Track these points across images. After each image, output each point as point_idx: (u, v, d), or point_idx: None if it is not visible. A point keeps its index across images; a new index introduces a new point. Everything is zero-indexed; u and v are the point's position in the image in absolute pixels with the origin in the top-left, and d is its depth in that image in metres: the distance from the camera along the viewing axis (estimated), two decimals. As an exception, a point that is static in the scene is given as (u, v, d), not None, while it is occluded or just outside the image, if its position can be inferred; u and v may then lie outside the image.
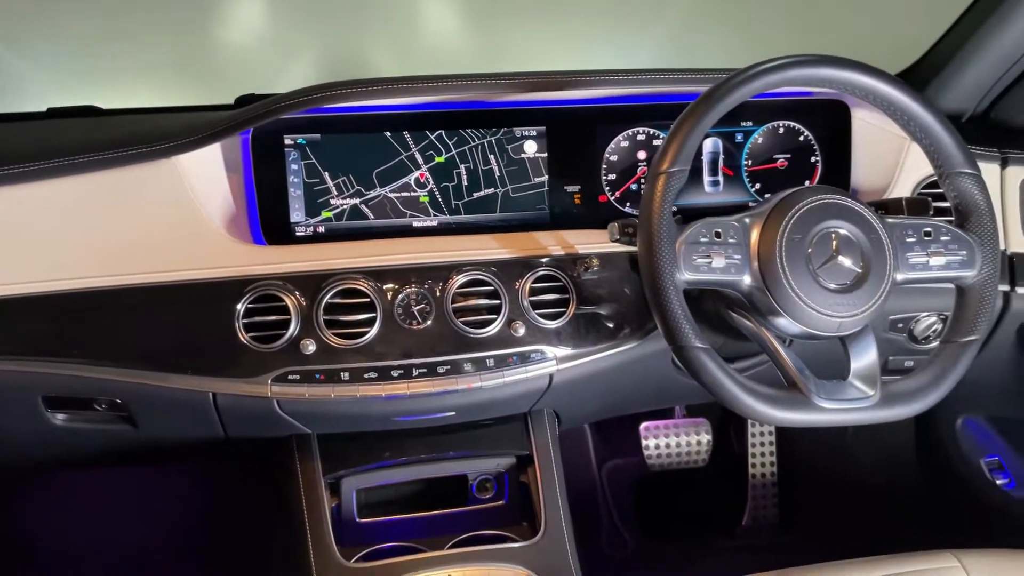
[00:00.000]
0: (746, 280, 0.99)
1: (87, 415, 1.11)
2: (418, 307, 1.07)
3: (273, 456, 1.17)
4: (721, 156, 1.28)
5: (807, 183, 1.30)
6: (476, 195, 1.20)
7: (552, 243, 1.15)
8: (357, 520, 1.16)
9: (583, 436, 1.79)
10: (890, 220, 1.03)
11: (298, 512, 1.09)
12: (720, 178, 1.29)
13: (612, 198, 1.25)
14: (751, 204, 1.26)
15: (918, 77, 1.40)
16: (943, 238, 1.02)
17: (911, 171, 1.25)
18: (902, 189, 1.26)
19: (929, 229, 1.03)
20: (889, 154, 1.27)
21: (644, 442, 1.73)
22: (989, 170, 1.27)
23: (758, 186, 1.29)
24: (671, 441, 1.74)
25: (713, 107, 0.97)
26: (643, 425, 1.74)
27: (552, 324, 1.10)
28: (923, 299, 1.25)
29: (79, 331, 1.02)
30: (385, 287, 1.07)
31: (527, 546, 1.09)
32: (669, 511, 1.84)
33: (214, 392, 1.05)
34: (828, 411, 0.97)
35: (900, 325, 1.29)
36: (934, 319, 1.29)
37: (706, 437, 1.74)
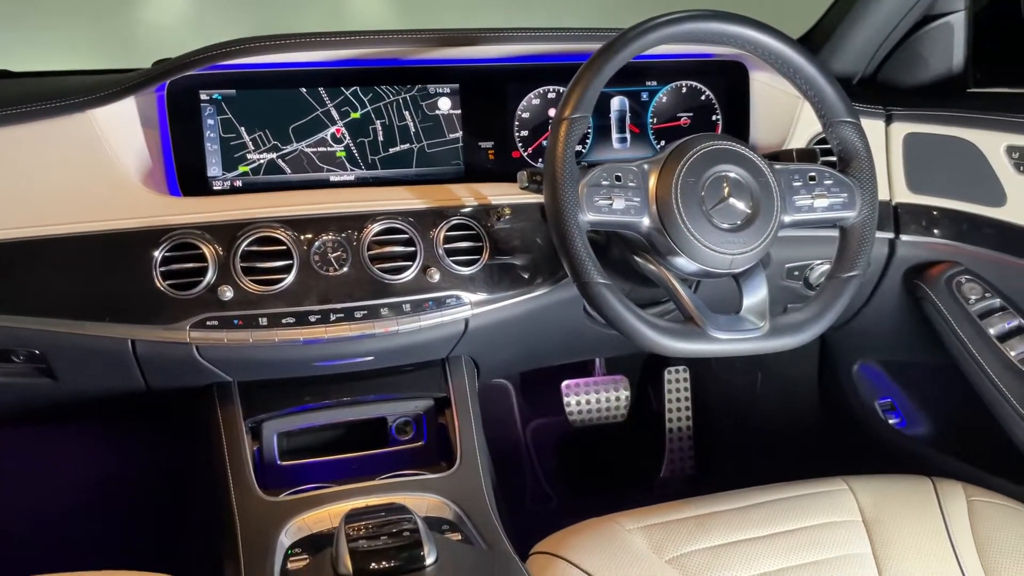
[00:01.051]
0: (645, 222, 1.05)
1: (5, 368, 1.12)
2: (334, 254, 1.10)
3: (194, 406, 1.19)
4: (628, 114, 1.34)
5: (708, 141, 1.37)
6: (392, 150, 1.24)
7: (466, 194, 1.19)
8: (279, 463, 1.19)
9: (508, 397, 1.85)
10: (778, 166, 1.10)
11: (219, 457, 1.11)
12: (627, 135, 1.35)
13: (525, 154, 1.30)
14: (656, 159, 1.33)
15: (813, 42, 1.50)
16: (826, 182, 1.10)
17: (804, 128, 1.34)
18: (797, 144, 1.34)
19: (814, 174, 1.10)
20: (784, 112, 1.35)
21: (565, 399, 1.79)
22: (875, 126, 1.36)
23: (663, 143, 1.35)
24: (591, 398, 1.80)
25: (611, 58, 1.02)
26: (564, 383, 1.80)
27: (466, 271, 1.15)
28: (816, 247, 1.33)
29: (-7, 281, 1.03)
30: (302, 235, 1.10)
31: (443, 477, 1.14)
32: (591, 466, 1.91)
33: (133, 339, 1.06)
34: (721, 341, 1.04)
35: (796, 273, 1.37)
36: (827, 267, 1.38)
37: (624, 393, 1.81)
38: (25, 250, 1.04)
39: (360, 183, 1.23)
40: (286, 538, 1.01)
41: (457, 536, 1.03)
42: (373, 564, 0.85)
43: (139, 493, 1.51)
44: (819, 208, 1.10)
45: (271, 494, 1.08)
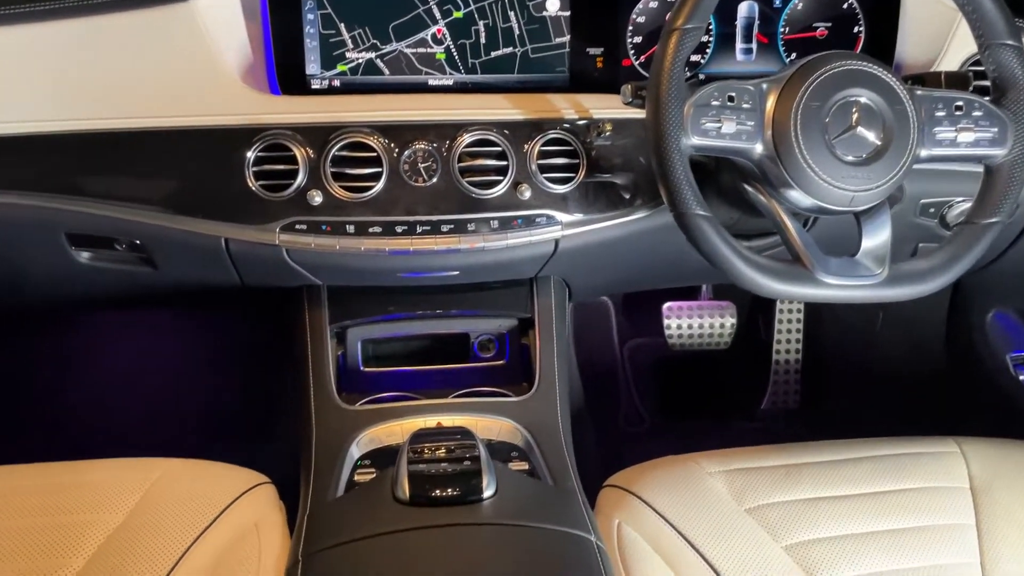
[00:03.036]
0: (758, 148, 0.95)
1: (109, 254, 1.16)
2: (424, 164, 1.06)
3: (285, 305, 1.20)
4: (757, 22, 1.22)
5: (847, 54, 1.23)
6: (494, 54, 1.17)
7: (566, 106, 1.12)
8: (361, 369, 1.20)
9: (607, 314, 1.80)
10: (920, 92, 0.97)
11: (303, 359, 1.12)
12: (754, 46, 1.23)
13: (636, 62, 1.20)
14: (784, 73, 1.21)
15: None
16: (975, 113, 0.96)
17: (960, 47, 1.17)
18: (949, 66, 1.18)
19: (961, 103, 0.97)
20: (939, 27, 1.18)
21: (666, 322, 1.73)
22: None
23: (793, 56, 1.22)
24: (694, 322, 1.73)
25: None
26: (666, 305, 1.73)
27: (560, 189, 1.09)
28: (958, 183, 1.19)
29: (95, 170, 1.05)
30: (392, 143, 1.06)
31: (518, 401, 1.12)
32: (688, 391, 1.86)
33: (226, 238, 1.07)
34: (830, 286, 0.95)
35: (932, 210, 1.24)
36: (969, 205, 1.23)
37: (730, 320, 1.73)
38: (124, 141, 1.05)
39: (459, 88, 1.17)
40: (357, 449, 1.03)
41: (524, 465, 1.01)
42: (431, 491, 0.85)
43: (233, 384, 1.58)
44: (963, 143, 0.96)
45: (351, 400, 1.09)
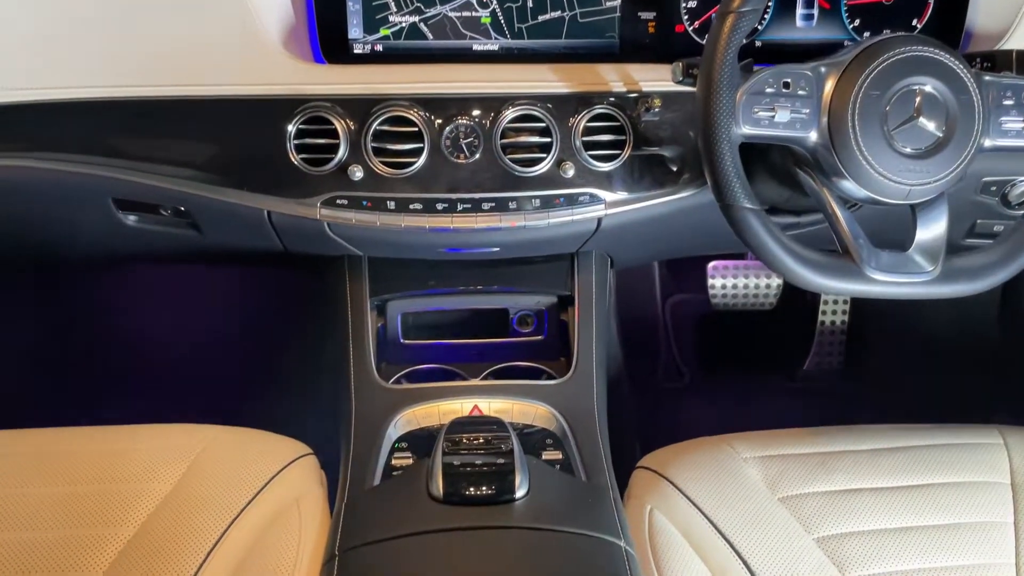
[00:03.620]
0: (812, 136, 0.92)
1: (156, 218, 1.17)
2: (466, 140, 1.04)
3: (327, 273, 1.22)
4: None
5: (915, 22, 1.16)
6: (541, 18, 1.13)
7: (614, 77, 1.08)
8: (401, 341, 1.21)
9: (650, 269, 1.78)
10: (988, 78, 0.92)
11: (344, 330, 1.14)
12: (815, 11, 1.16)
13: (690, 28, 1.15)
14: (846, 43, 1.15)
15: None
16: None
17: (1039, 11, 1.10)
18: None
19: None
20: (1015, -5, 1.11)
21: (710, 280, 1.71)
22: None
23: (857, 22, 1.16)
24: (739, 282, 1.71)
25: None
26: (711, 264, 1.71)
27: (604, 167, 1.06)
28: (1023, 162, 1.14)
29: (138, 137, 1.06)
30: (434, 117, 1.04)
31: (555, 385, 1.12)
32: (729, 349, 1.85)
33: (268, 210, 1.08)
34: (878, 283, 0.93)
35: (993, 188, 1.18)
36: (1035, 186, 1.18)
37: (776, 281, 1.70)
38: (167, 109, 1.05)
39: (504, 54, 1.14)
40: (394, 431, 1.05)
41: (557, 455, 1.02)
42: (464, 489, 0.87)
43: (278, 340, 1.61)
44: None
45: (389, 372, 1.11)
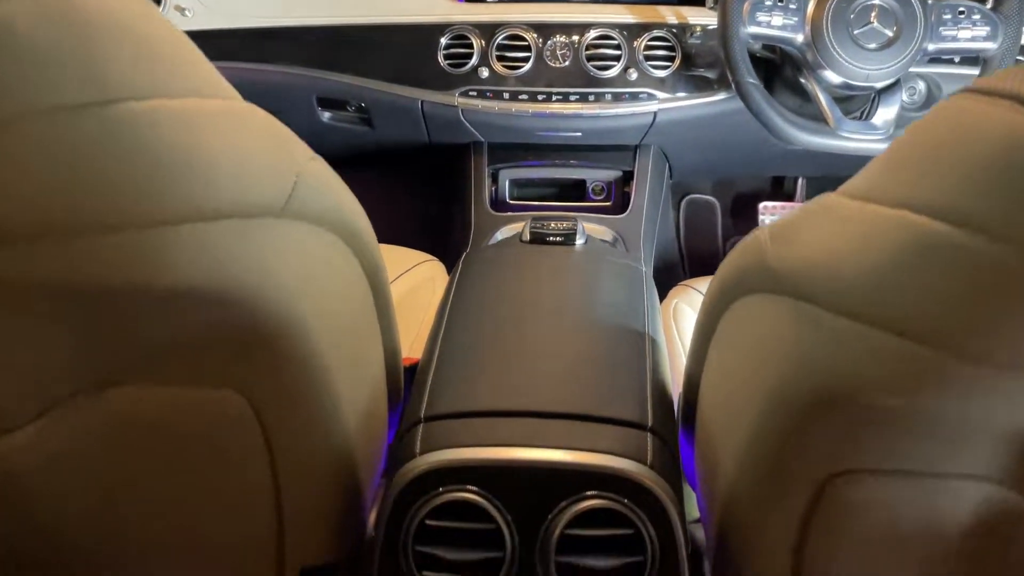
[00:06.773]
0: (799, 38, 1.31)
1: (343, 115, 1.67)
2: (561, 51, 1.49)
3: (459, 159, 1.68)
4: None
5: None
6: (620, -23, 1.58)
7: (669, 14, 1.51)
8: (508, 200, 1.66)
9: (713, 212, 2.16)
10: (931, 0, 1.29)
11: (468, 189, 1.60)
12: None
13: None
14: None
15: None
16: (974, 16, 1.28)
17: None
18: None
19: (963, 9, 1.28)
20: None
21: (761, 218, 2.07)
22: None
23: None
24: (786, 220, 2.06)
25: None
26: (762, 204, 2.08)
27: (659, 73, 1.49)
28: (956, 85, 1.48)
29: (338, 51, 1.55)
30: (539, 36, 1.50)
31: (615, 217, 1.55)
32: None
33: (422, 100, 1.55)
34: (847, 139, 1.30)
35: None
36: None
37: (820, 220, 2.04)
38: (358, 32, 1.55)
39: None
40: (500, 234, 1.49)
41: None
42: (544, 237, 1.28)
43: (427, 211, 2.07)
44: (962, 39, 1.28)
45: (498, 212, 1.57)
